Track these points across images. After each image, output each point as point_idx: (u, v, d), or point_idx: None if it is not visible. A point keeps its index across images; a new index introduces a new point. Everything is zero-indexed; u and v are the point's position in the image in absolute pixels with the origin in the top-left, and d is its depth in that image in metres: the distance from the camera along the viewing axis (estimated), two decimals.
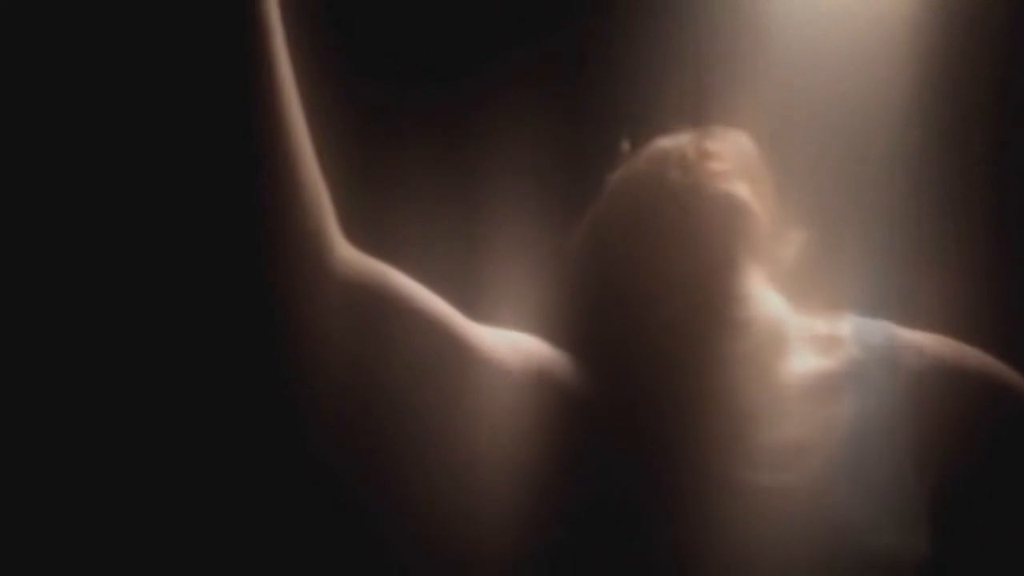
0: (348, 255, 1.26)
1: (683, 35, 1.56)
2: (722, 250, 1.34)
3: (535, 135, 1.63)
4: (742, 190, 1.34)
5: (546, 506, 1.29)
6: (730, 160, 1.37)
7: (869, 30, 1.65)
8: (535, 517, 1.29)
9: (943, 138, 1.66)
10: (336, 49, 1.55)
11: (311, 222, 1.21)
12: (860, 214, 1.60)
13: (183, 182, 1.42)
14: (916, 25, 1.63)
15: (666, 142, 1.42)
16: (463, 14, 1.69)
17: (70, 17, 1.53)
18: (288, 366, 1.27)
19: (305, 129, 1.21)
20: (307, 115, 1.22)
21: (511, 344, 1.35)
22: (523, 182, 1.62)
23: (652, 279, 1.35)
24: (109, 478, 1.55)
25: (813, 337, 1.37)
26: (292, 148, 1.19)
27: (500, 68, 1.67)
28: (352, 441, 1.35)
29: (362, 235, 1.30)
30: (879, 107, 1.65)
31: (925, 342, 1.38)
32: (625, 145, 1.44)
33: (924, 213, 1.66)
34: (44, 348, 1.55)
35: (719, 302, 1.34)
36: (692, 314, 1.34)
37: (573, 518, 1.29)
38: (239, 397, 1.47)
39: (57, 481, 1.55)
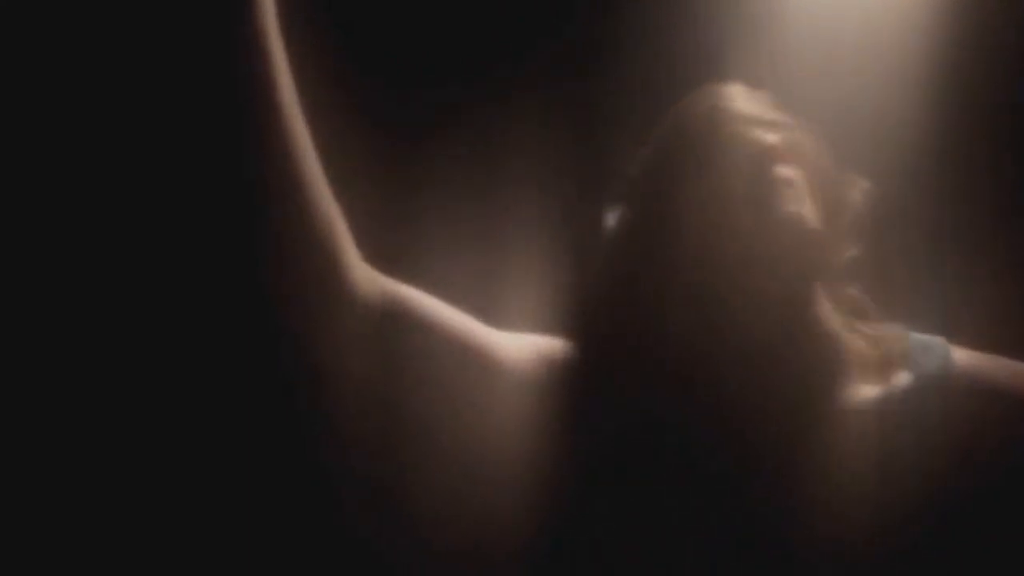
0: (365, 278, 1.27)
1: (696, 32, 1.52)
2: (788, 280, 1.26)
3: (551, 135, 1.61)
4: (811, 212, 1.25)
5: (564, 513, 1.29)
6: (796, 159, 1.28)
7: (884, 30, 1.62)
8: (553, 524, 1.28)
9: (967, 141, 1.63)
10: (345, 53, 1.54)
11: (323, 249, 1.22)
12: (903, 223, 1.58)
13: (194, 209, 1.43)
14: (933, 25, 1.61)
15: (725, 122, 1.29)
16: (475, 14, 1.66)
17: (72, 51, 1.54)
18: (305, 389, 1.28)
19: (313, 155, 1.22)
20: (316, 127, 1.22)
21: (532, 352, 1.33)
22: (540, 183, 1.60)
23: (711, 297, 1.27)
24: (119, 481, 1.57)
25: (869, 361, 1.32)
26: (298, 174, 1.20)
27: (512, 68, 1.64)
28: (372, 459, 1.35)
29: (380, 242, 1.30)
30: (895, 109, 1.63)
31: (979, 367, 1.33)
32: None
33: (968, 221, 1.63)
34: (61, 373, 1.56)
35: (780, 322, 1.27)
36: (748, 329, 1.27)
37: (590, 525, 1.28)
38: (254, 417, 1.48)
39: (66, 483, 1.56)
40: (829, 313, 1.31)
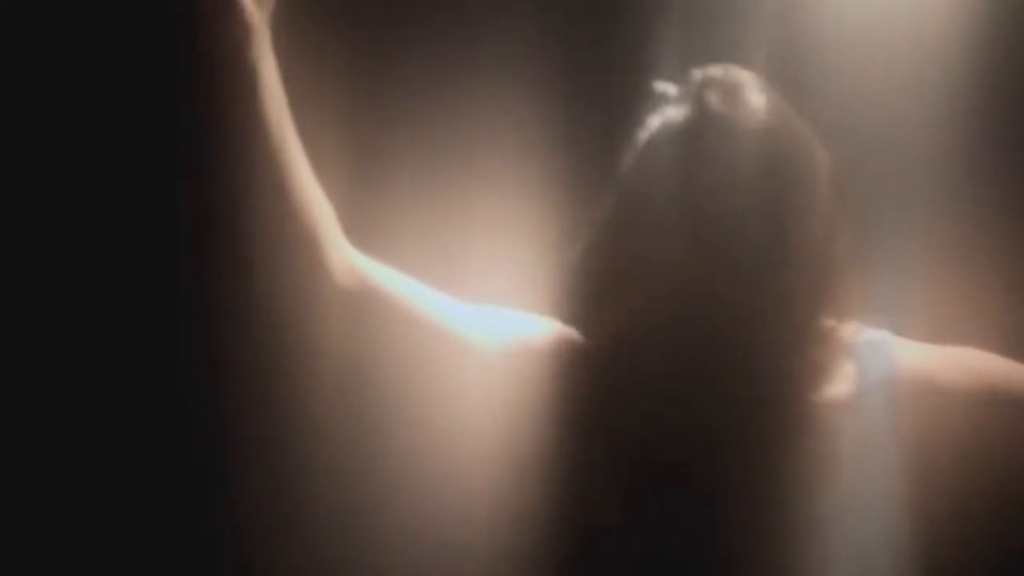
0: (347, 259, 1.30)
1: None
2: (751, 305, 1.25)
3: (531, 123, 1.59)
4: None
5: (540, 505, 1.29)
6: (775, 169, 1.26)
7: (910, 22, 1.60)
8: (529, 513, 1.29)
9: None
10: (323, 33, 1.54)
11: (304, 230, 1.26)
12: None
13: (171, 191, 1.46)
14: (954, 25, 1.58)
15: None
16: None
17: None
18: (284, 367, 1.31)
19: (293, 135, 1.26)
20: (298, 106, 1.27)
21: (507, 336, 1.34)
22: (519, 172, 1.58)
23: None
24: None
25: (817, 366, 1.29)
26: (280, 155, 1.25)
27: (491, 57, 1.61)
28: (345, 437, 1.37)
29: (358, 225, 1.32)
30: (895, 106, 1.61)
31: (925, 365, 1.32)
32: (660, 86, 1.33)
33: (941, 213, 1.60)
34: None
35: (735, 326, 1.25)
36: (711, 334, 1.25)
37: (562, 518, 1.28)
38: (233, 395, 1.48)
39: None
40: (800, 316, 1.27)
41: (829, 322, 1.27)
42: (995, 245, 1.60)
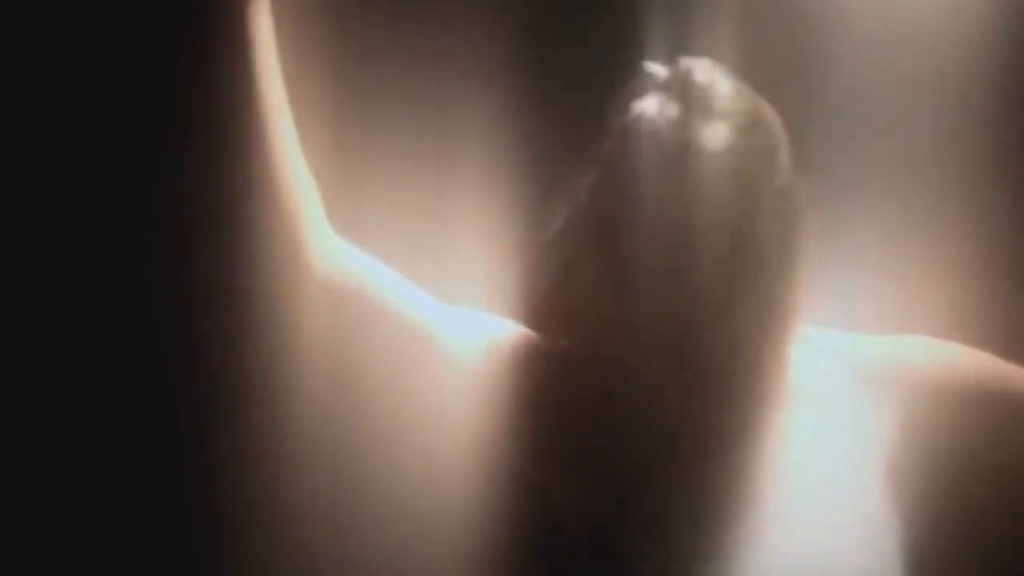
0: (331, 246, 1.30)
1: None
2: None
3: (510, 118, 1.58)
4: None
5: (514, 507, 1.29)
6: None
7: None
8: (503, 515, 1.29)
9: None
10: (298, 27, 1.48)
11: (285, 201, 1.26)
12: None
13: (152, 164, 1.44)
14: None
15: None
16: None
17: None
18: (262, 354, 1.31)
19: (283, 107, 1.26)
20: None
21: (481, 337, 1.35)
22: (497, 167, 1.57)
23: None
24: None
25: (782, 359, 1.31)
26: (265, 127, 1.24)
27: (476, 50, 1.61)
28: (326, 432, 1.36)
29: (339, 218, 1.32)
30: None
31: (873, 361, 1.35)
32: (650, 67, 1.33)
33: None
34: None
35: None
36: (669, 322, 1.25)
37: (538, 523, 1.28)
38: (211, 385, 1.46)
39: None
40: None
41: (792, 316, 1.29)
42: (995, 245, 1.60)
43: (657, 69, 1.29)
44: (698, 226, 1.22)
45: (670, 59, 1.29)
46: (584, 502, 1.27)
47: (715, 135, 1.24)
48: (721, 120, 1.24)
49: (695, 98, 1.25)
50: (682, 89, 1.26)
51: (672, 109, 1.25)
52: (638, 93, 1.28)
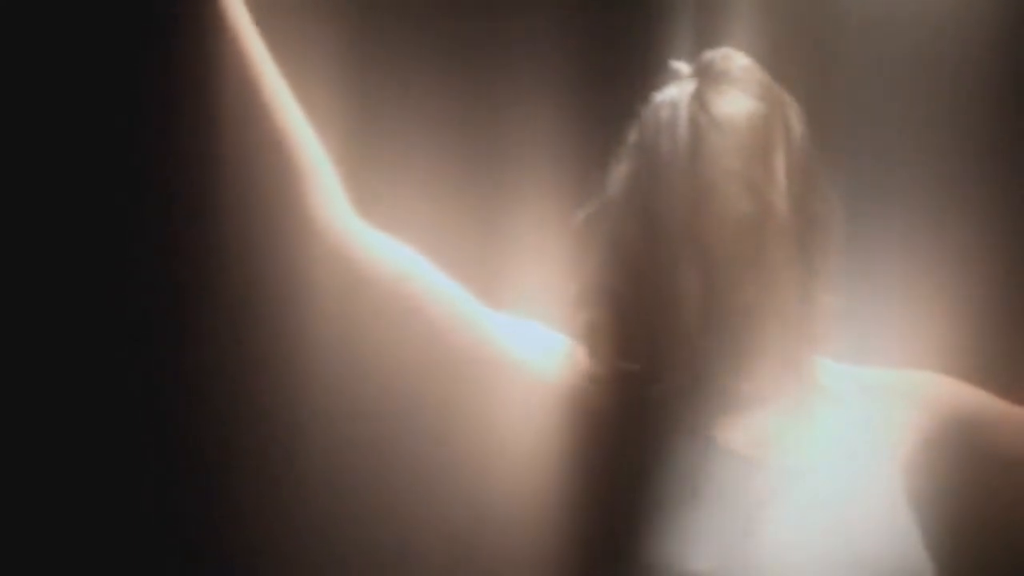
0: (345, 224, 1.29)
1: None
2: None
3: (549, 112, 1.61)
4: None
5: (565, 504, 1.29)
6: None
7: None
8: (553, 515, 1.29)
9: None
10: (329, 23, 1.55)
11: (283, 163, 1.25)
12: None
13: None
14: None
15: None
16: None
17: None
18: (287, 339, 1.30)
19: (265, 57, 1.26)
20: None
21: (529, 339, 1.35)
22: (537, 163, 1.60)
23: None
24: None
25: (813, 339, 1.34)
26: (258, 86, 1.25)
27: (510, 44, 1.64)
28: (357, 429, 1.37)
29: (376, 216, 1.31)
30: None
31: (881, 377, 1.39)
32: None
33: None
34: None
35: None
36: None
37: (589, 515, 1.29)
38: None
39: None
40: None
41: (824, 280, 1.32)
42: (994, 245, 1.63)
43: (682, 66, 1.34)
44: (720, 187, 1.26)
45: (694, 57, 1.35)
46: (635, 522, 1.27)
47: (730, 99, 1.29)
48: (735, 87, 1.30)
49: (713, 73, 1.31)
50: (701, 71, 1.32)
51: (690, 85, 1.31)
52: (664, 86, 1.34)
